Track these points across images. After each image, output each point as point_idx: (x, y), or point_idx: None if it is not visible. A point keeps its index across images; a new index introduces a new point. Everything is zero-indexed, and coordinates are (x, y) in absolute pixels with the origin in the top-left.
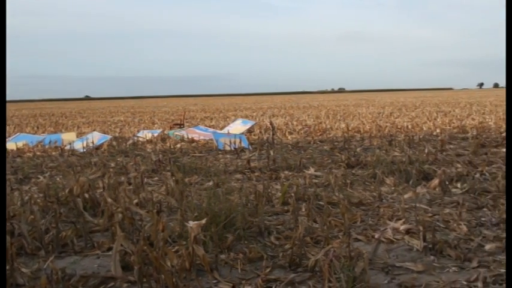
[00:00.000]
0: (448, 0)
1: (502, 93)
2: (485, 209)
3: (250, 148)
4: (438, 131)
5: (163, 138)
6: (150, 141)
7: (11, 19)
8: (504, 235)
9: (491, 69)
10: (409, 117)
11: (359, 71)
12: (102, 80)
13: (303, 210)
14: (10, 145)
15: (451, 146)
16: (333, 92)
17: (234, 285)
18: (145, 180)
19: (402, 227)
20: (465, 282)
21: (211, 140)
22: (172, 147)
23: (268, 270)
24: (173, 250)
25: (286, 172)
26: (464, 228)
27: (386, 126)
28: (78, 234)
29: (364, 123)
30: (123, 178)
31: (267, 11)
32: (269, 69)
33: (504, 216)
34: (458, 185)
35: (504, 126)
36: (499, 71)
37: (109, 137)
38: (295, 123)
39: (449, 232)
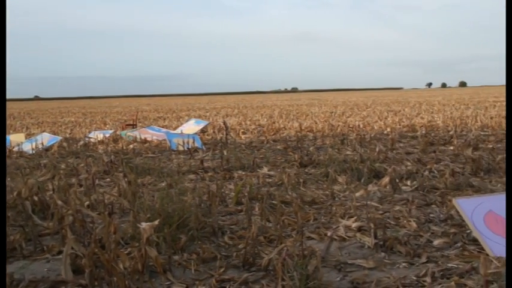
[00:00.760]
0: (396, 1)
1: (450, 93)
2: (433, 206)
3: (204, 148)
4: (389, 130)
5: (116, 139)
6: (101, 142)
7: None
8: (452, 230)
9: (439, 70)
10: (361, 117)
11: (312, 70)
12: (53, 80)
13: (257, 209)
14: None
15: (401, 145)
16: (286, 91)
17: (188, 286)
18: (97, 181)
19: (354, 225)
20: (414, 278)
21: (165, 140)
22: (124, 148)
23: (222, 270)
24: (125, 252)
25: (240, 172)
26: (414, 225)
27: (339, 125)
28: (27, 238)
29: (317, 123)
30: (73, 180)
31: (220, 10)
32: (223, 69)
33: (451, 212)
34: (408, 182)
35: (451, 124)
36: (447, 71)
37: (59, 138)
38: (248, 123)
39: (399, 229)
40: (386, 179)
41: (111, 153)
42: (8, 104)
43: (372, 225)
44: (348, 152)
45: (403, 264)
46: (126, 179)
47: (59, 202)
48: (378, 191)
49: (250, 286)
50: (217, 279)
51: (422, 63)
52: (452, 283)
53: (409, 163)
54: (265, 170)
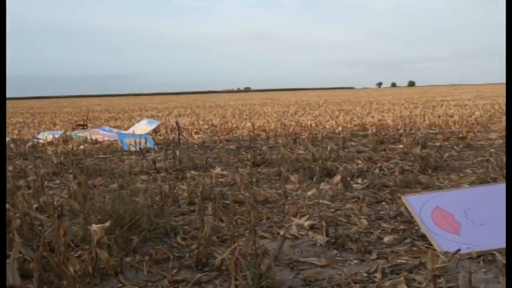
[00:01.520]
0: (347, 2)
1: (399, 92)
2: (383, 203)
3: (156, 148)
4: (340, 128)
5: (66, 140)
6: (51, 143)
7: None
8: (402, 227)
9: (389, 70)
10: (313, 116)
11: (264, 70)
12: None
13: (209, 209)
14: None
15: (352, 143)
16: (239, 91)
17: None
18: (46, 183)
19: (306, 223)
20: (365, 274)
21: (116, 140)
22: (75, 148)
23: (174, 271)
24: (76, 255)
25: (193, 172)
26: (365, 222)
27: (291, 124)
28: None
29: (269, 122)
30: (21, 182)
31: (171, 10)
32: (175, 69)
33: (401, 209)
34: (359, 180)
35: (401, 123)
36: (396, 70)
37: (7, 139)
38: (201, 122)
39: (350, 226)
40: (337, 178)
41: (61, 154)
42: None
43: (323, 223)
44: (301, 151)
45: (355, 261)
46: (76, 181)
47: (6, 205)
48: (330, 190)
49: (204, 286)
50: (170, 280)
51: (373, 63)
52: (402, 278)
53: (360, 161)
54: (218, 169)
